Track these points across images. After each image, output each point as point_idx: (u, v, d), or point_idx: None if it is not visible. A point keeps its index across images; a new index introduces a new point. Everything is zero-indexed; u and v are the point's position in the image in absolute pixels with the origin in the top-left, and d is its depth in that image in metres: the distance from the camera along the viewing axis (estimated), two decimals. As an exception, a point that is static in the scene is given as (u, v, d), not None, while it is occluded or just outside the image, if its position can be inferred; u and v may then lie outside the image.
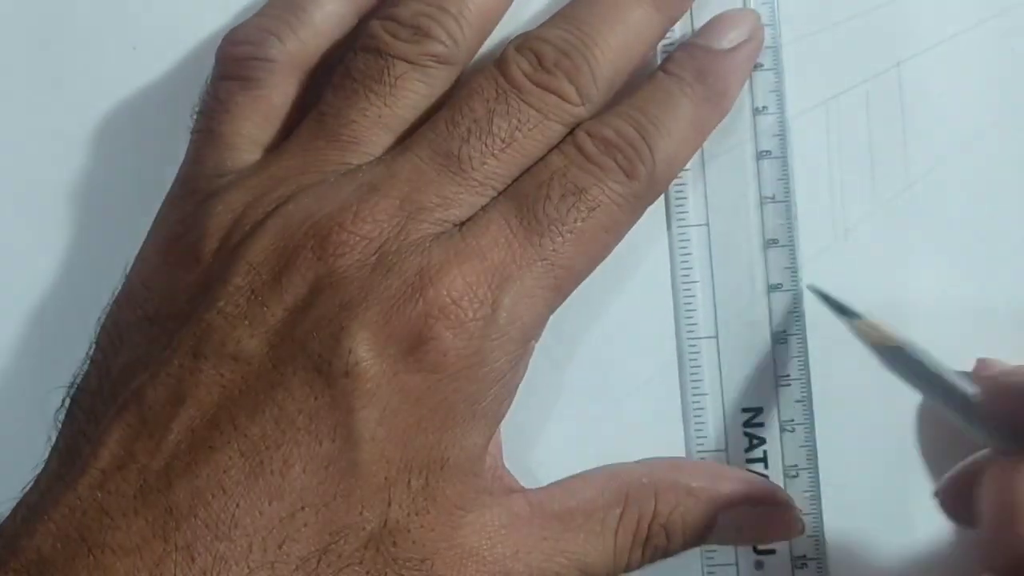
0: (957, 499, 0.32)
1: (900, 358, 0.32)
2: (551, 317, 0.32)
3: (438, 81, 0.33)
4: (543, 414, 0.35)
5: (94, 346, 0.32)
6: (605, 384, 0.36)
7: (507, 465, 0.33)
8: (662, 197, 0.35)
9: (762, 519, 0.34)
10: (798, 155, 0.36)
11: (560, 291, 0.32)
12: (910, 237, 0.36)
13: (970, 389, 0.31)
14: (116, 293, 0.33)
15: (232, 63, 0.33)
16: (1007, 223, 0.36)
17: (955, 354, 0.35)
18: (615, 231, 0.32)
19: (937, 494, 0.33)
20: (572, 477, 0.34)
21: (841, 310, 0.34)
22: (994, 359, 0.34)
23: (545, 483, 0.34)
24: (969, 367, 0.35)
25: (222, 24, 0.35)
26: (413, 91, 0.33)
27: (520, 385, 0.32)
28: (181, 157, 0.34)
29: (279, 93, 0.33)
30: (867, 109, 0.36)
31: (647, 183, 0.32)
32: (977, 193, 0.36)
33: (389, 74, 0.32)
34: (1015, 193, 0.36)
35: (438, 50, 0.33)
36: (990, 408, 0.30)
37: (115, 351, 0.32)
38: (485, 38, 0.34)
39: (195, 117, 0.34)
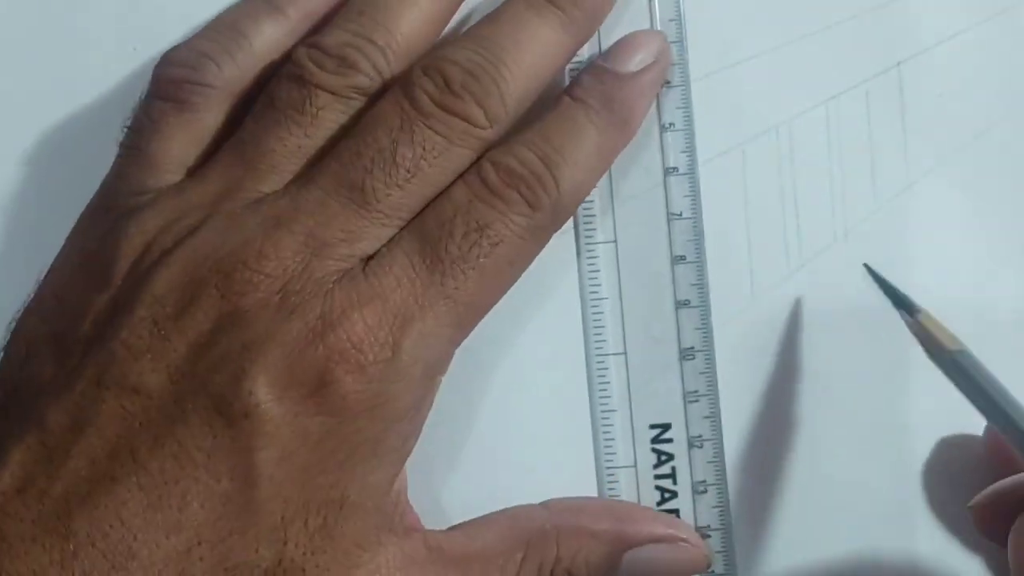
0: (993, 518, 0.32)
1: (956, 367, 0.32)
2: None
3: (360, 113, 0.33)
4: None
5: (2, 354, 0.32)
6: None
7: (417, 495, 0.33)
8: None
9: (668, 555, 0.34)
10: (799, 154, 0.36)
11: (464, 327, 0.32)
12: (911, 238, 0.36)
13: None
14: (28, 299, 0.32)
15: (167, 84, 0.33)
16: (1008, 223, 0.36)
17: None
18: (519, 263, 0.32)
19: (971, 508, 0.33)
20: (474, 520, 0.34)
21: (898, 300, 0.33)
22: None
23: (454, 513, 0.34)
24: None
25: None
26: (335, 122, 0.32)
27: (430, 415, 0.32)
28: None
29: (211, 117, 0.33)
30: (867, 109, 0.36)
31: (551, 214, 0.32)
32: (978, 193, 0.36)
33: (311, 104, 0.32)
34: (1016, 193, 0.36)
35: (362, 83, 0.32)
36: None
37: (20, 364, 0.31)
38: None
39: (124, 132, 0.34)
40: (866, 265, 0.35)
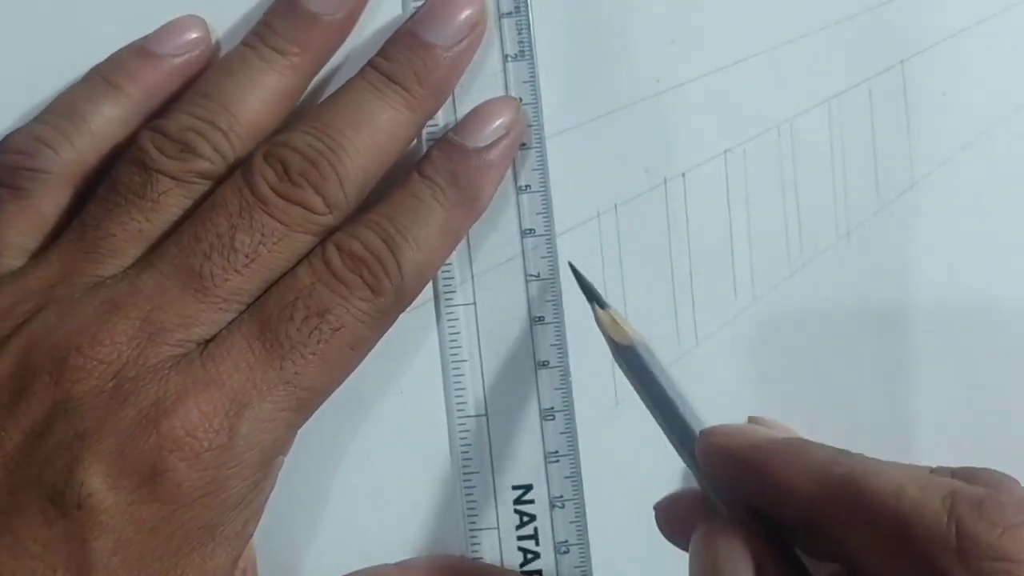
0: (673, 522, 0.32)
1: (635, 360, 0.33)
2: (326, 401, 0.32)
3: (203, 196, 0.32)
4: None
5: None
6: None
7: (279, 560, 0.33)
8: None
9: None
10: (801, 153, 0.36)
11: (304, 410, 0.32)
12: (913, 237, 0.36)
13: (694, 427, 0.31)
14: None
15: (4, 171, 0.33)
16: (1012, 222, 0.36)
17: (957, 355, 0.35)
18: (362, 346, 0.32)
19: (654, 508, 0.33)
20: None
21: (591, 295, 0.34)
22: (767, 419, 0.35)
23: None
24: (971, 368, 0.35)
25: (223, 27, 0.35)
26: (176, 206, 0.32)
27: (293, 478, 0.33)
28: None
29: (50, 203, 0.33)
30: (870, 107, 0.36)
31: (394, 297, 0.32)
32: (981, 192, 0.36)
33: (152, 189, 0.32)
34: (1019, 192, 0.36)
35: (203, 167, 0.32)
36: (702, 459, 0.31)
37: None
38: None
39: None
40: (569, 263, 0.35)
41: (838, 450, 0.29)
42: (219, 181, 0.32)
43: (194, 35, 0.34)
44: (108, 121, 0.33)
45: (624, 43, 0.35)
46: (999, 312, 0.36)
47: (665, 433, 0.32)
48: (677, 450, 0.32)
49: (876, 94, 0.36)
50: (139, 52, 0.34)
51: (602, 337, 0.33)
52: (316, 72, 0.34)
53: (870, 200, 0.36)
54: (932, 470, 0.28)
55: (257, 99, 0.33)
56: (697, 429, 0.31)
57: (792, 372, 0.36)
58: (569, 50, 0.35)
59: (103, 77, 0.34)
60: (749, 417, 0.35)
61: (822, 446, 0.29)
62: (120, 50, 0.34)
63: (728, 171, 0.36)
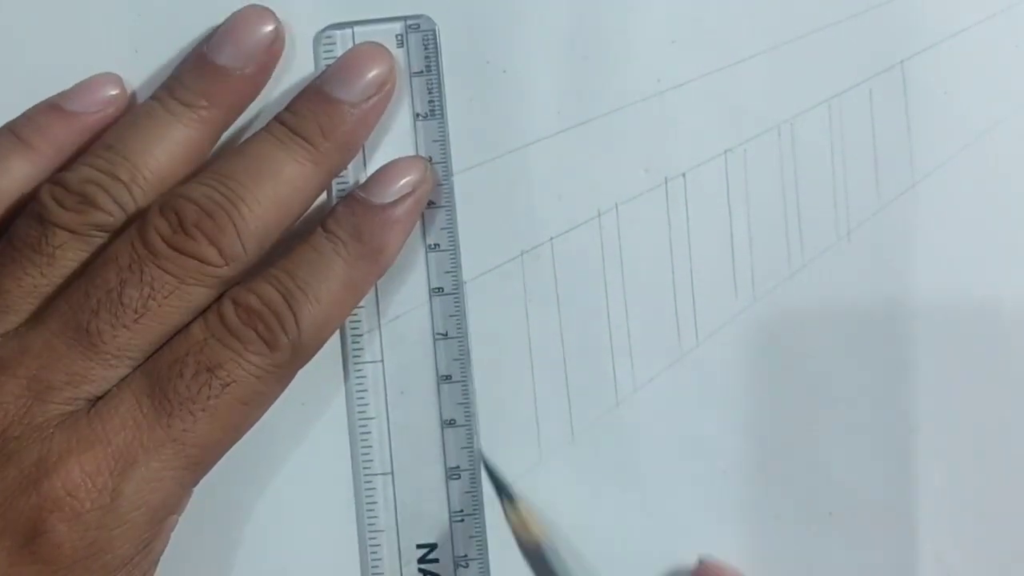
0: None
1: (540, 560, 0.33)
2: (230, 455, 0.32)
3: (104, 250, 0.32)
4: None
5: None
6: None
7: None
8: (338, 334, 0.35)
9: None
10: (801, 153, 0.36)
11: (196, 468, 0.31)
12: (913, 237, 0.36)
13: None
14: None
15: None
16: (1012, 222, 0.36)
17: (958, 355, 0.35)
18: (256, 403, 0.32)
19: None
20: None
21: (499, 488, 0.35)
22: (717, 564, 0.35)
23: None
24: (971, 368, 0.35)
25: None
26: (74, 260, 0.32)
27: (197, 534, 0.33)
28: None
29: None
30: (870, 107, 0.36)
31: (291, 353, 0.32)
32: (982, 193, 0.36)
33: (47, 243, 0.31)
34: (1020, 192, 0.36)
35: (102, 220, 0.32)
36: None
37: None
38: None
39: None
40: (479, 448, 0.35)
41: None
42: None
43: (111, 92, 0.34)
44: (16, 179, 0.33)
45: (624, 43, 0.35)
46: (999, 312, 0.36)
47: None
48: None
49: (876, 94, 0.36)
50: (51, 108, 0.34)
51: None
52: (226, 126, 0.34)
53: (870, 200, 0.36)
54: None
55: (162, 151, 0.33)
56: None
57: (792, 372, 0.36)
58: (569, 50, 0.35)
59: (14, 133, 0.34)
60: (699, 557, 0.35)
61: None
62: (34, 106, 0.34)
63: (728, 171, 0.36)
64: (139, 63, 0.35)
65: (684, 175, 0.36)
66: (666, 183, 0.36)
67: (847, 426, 0.36)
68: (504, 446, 0.36)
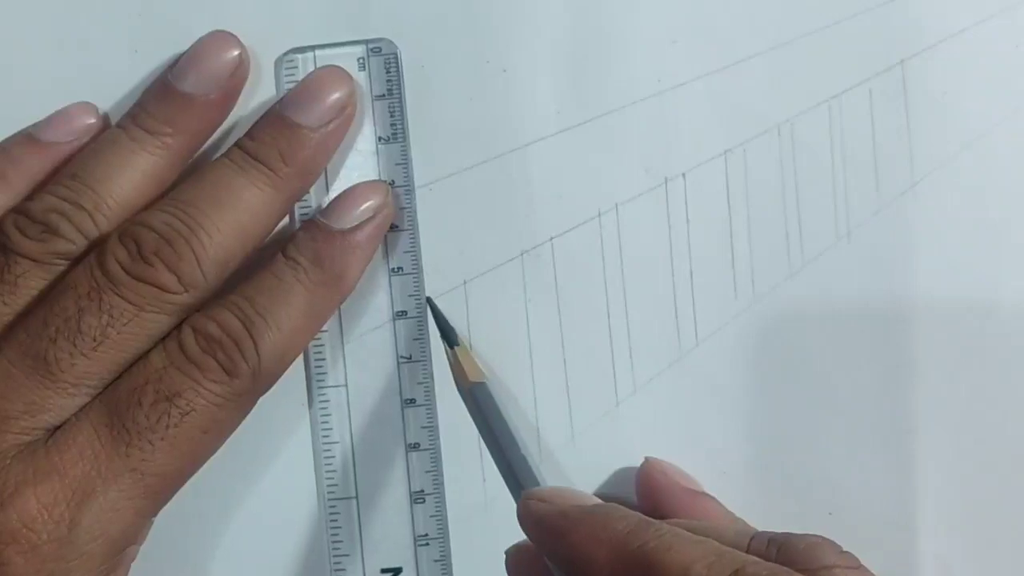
0: (519, 571, 0.33)
1: (476, 402, 0.33)
2: (193, 482, 0.32)
3: None
4: None
5: None
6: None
7: None
8: (301, 358, 0.35)
9: None
10: (801, 153, 0.36)
11: (156, 497, 0.31)
12: (914, 238, 0.36)
13: (523, 480, 0.32)
14: None
15: None
16: (1012, 222, 0.36)
17: (958, 355, 0.35)
18: (216, 431, 0.32)
19: (506, 552, 0.33)
20: None
21: (444, 332, 0.35)
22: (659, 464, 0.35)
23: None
24: (971, 368, 0.35)
25: (222, 28, 0.35)
26: (36, 288, 0.32)
27: (159, 566, 0.33)
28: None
29: None
30: (870, 107, 0.36)
31: (251, 380, 0.31)
32: (982, 193, 0.36)
33: (10, 272, 0.31)
34: (1020, 192, 0.36)
35: (65, 248, 0.32)
36: (520, 522, 0.31)
37: None
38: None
39: None
40: (428, 297, 0.35)
41: (641, 521, 0.29)
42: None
43: (88, 121, 0.34)
44: None
45: (624, 43, 0.35)
46: (999, 312, 0.36)
47: (504, 480, 0.33)
48: (514, 497, 0.32)
49: (876, 94, 0.36)
50: (26, 140, 0.34)
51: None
52: (192, 152, 0.34)
53: (870, 200, 0.36)
54: (754, 536, 0.29)
55: (126, 179, 0.33)
56: (527, 482, 0.32)
57: (792, 372, 0.36)
58: (570, 50, 0.35)
59: None
60: (645, 458, 0.35)
61: (627, 516, 0.29)
62: (8, 137, 0.34)
63: (728, 171, 0.36)
64: (139, 63, 0.35)
65: (684, 175, 0.36)
66: (666, 183, 0.36)
67: (847, 426, 0.36)
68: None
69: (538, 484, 0.33)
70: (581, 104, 0.35)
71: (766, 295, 0.36)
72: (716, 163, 0.36)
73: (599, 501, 0.31)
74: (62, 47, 0.35)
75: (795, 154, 0.36)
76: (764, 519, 0.35)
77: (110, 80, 0.35)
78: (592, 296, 0.36)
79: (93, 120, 0.34)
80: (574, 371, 0.36)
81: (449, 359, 0.35)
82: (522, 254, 0.36)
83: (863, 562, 0.35)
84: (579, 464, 0.36)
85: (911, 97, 0.36)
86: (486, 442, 0.34)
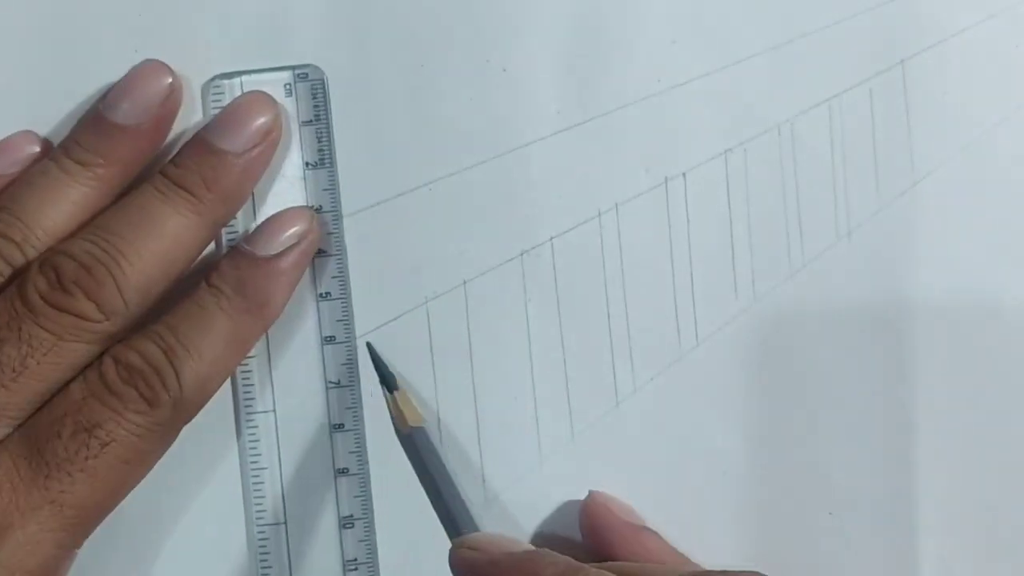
0: None
1: (420, 442, 0.34)
2: (121, 510, 0.32)
3: None
4: None
5: None
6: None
7: None
8: (229, 384, 0.35)
9: None
10: (801, 153, 0.36)
11: (77, 530, 0.31)
12: (914, 237, 0.36)
13: (462, 525, 0.33)
14: None
15: None
16: (1013, 222, 0.36)
17: (958, 355, 0.35)
18: (138, 461, 0.31)
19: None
20: None
21: (382, 378, 0.35)
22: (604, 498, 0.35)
23: None
24: (971, 368, 0.35)
25: (222, 27, 0.35)
26: None
27: None
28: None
29: None
30: (871, 107, 0.36)
31: (172, 410, 0.31)
32: (983, 192, 0.36)
33: None
34: (1020, 191, 0.36)
35: None
36: (452, 569, 0.31)
37: None
38: None
39: None
40: (368, 343, 0.35)
41: (570, 566, 0.29)
42: None
43: (32, 150, 0.34)
44: None
45: (624, 43, 0.35)
46: (999, 312, 0.36)
47: (441, 524, 0.33)
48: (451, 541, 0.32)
49: (876, 94, 0.36)
50: None
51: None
52: (125, 182, 0.34)
53: (870, 200, 0.36)
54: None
55: (58, 211, 0.32)
56: (464, 526, 0.33)
57: (792, 372, 0.36)
58: (570, 50, 0.35)
59: None
60: (589, 491, 0.35)
61: (556, 562, 0.29)
62: None
63: (728, 171, 0.36)
64: (138, 62, 0.35)
65: (684, 175, 0.36)
66: (666, 183, 0.36)
67: (847, 426, 0.36)
68: (504, 446, 0.36)
69: (476, 529, 0.33)
70: (581, 104, 0.35)
71: (766, 295, 0.36)
72: (716, 163, 0.36)
73: (530, 547, 0.31)
74: (62, 47, 0.35)
75: (795, 154, 0.36)
76: (764, 519, 0.35)
77: (110, 80, 0.35)
78: (592, 296, 0.36)
79: (38, 148, 0.34)
80: (574, 371, 0.36)
81: (388, 404, 0.35)
82: (522, 254, 0.36)
83: (863, 562, 0.35)
84: (579, 464, 0.36)
85: (911, 97, 0.36)
86: (424, 486, 0.34)
